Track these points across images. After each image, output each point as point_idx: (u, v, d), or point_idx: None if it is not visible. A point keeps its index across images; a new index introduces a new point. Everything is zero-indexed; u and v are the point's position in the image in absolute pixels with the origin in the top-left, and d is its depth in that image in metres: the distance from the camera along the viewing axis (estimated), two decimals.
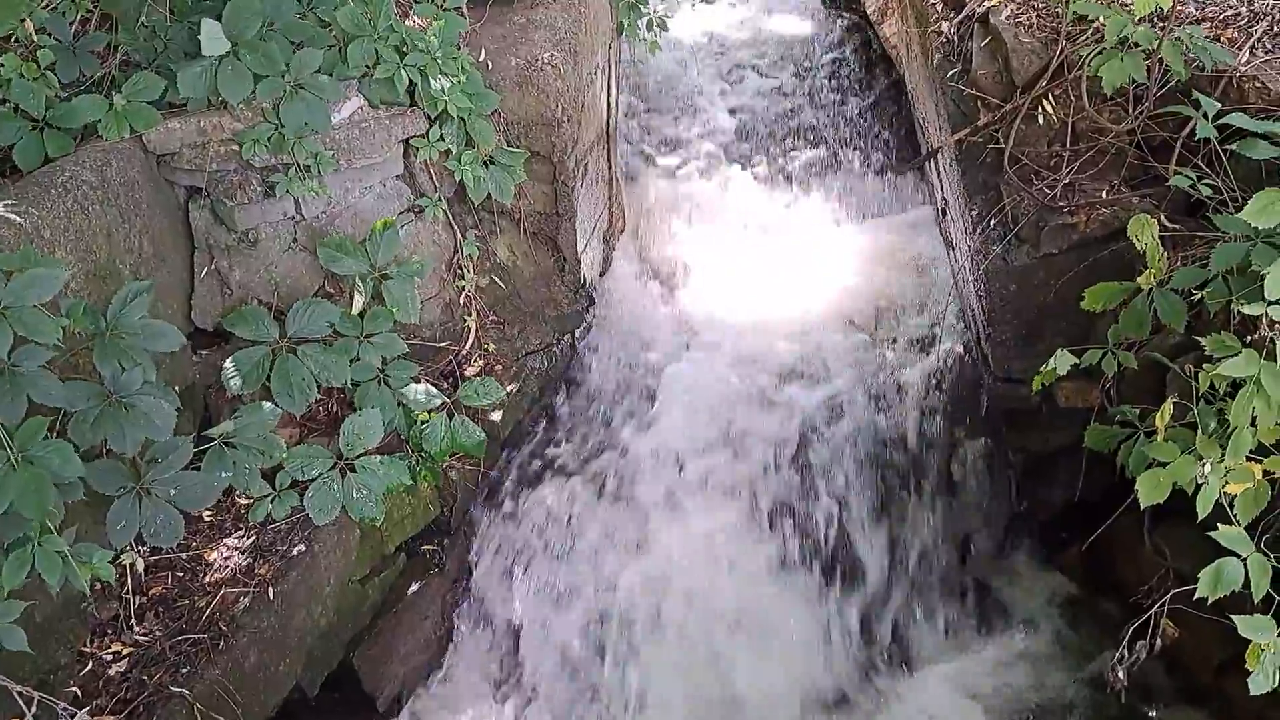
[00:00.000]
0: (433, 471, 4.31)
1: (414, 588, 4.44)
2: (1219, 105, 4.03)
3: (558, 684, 4.61)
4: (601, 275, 5.66)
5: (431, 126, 4.38)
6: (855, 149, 6.38)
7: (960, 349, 5.20)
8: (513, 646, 4.69)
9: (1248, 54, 4.28)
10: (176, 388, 3.69)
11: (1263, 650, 3.02)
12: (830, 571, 4.78)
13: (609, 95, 5.58)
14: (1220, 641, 3.69)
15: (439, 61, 4.24)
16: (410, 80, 4.21)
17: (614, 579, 4.68)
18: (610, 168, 5.64)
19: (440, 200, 4.56)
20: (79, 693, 3.28)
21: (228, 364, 3.89)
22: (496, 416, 4.60)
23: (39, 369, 2.92)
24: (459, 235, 4.71)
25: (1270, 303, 3.17)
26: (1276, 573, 3.17)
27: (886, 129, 6.50)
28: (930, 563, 4.94)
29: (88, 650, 3.43)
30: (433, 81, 4.24)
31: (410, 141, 4.37)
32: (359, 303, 4.17)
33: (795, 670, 4.69)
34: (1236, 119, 3.89)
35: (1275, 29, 4.36)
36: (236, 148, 3.92)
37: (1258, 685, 3.05)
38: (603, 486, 4.83)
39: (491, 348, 4.76)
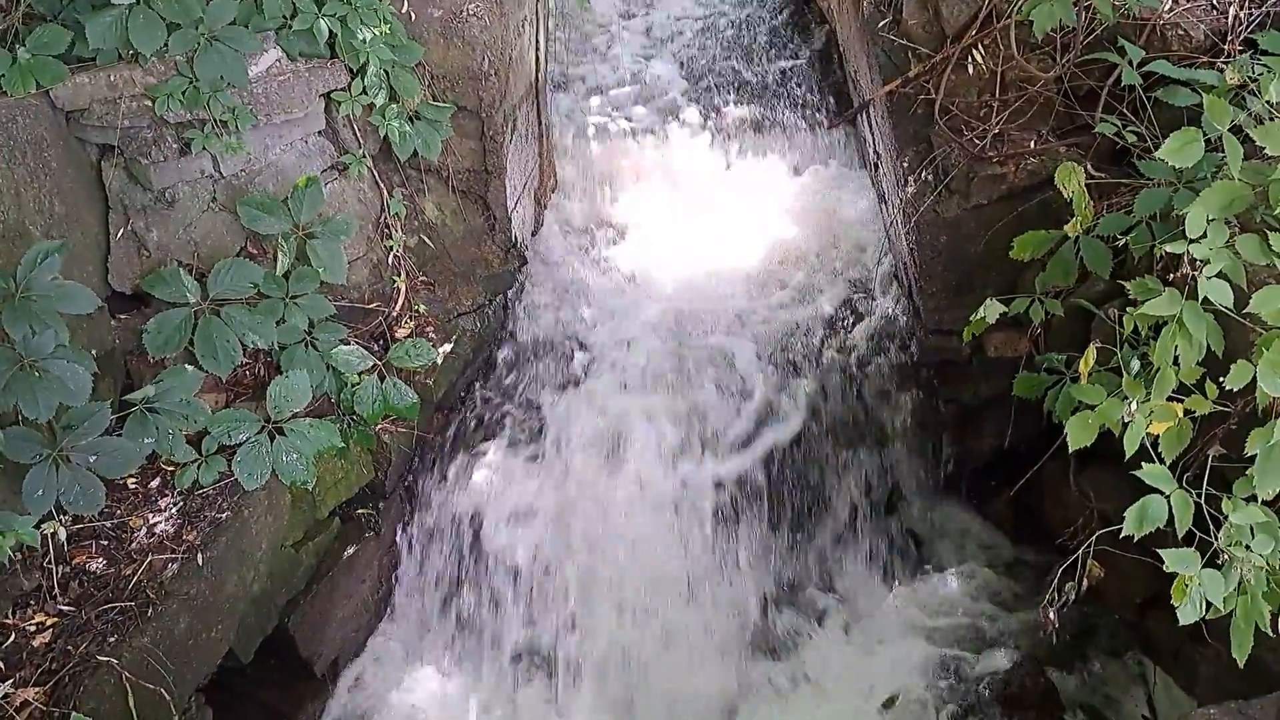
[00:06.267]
0: (365, 435, 4.24)
1: (349, 552, 4.39)
2: (1144, 52, 4.08)
3: (494, 647, 4.62)
4: (534, 234, 5.59)
5: (353, 80, 4.27)
6: (789, 104, 6.34)
7: (893, 302, 5.24)
8: (451, 609, 4.68)
9: (1170, 0, 4.32)
10: (95, 352, 3.58)
11: (1188, 583, 3.09)
12: (768, 522, 4.81)
13: (538, 49, 5.47)
14: (1143, 579, 3.81)
15: (359, 11, 4.13)
16: (330, 31, 4.10)
17: (550, 538, 4.67)
18: (540, 123, 5.55)
19: (365, 157, 4.46)
20: (1, 666, 3.20)
21: (148, 326, 3.78)
22: (429, 378, 4.53)
23: None
24: (385, 193, 4.61)
25: (1191, 241, 3.21)
26: (1198, 508, 3.24)
27: (820, 83, 6.47)
28: (864, 513, 5.00)
29: (10, 622, 3.34)
30: (354, 32, 4.13)
31: (332, 95, 4.25)
32: (283, 263, 4.06)
33: (732, 618, 4.75)
34: (1160, 66, 3.94)
35: None
36: (149, 103, 3.78)
37: (1186, 615, 3.13)
38: (539, 447, 4.80)
39: (423, 309, 4.68)
